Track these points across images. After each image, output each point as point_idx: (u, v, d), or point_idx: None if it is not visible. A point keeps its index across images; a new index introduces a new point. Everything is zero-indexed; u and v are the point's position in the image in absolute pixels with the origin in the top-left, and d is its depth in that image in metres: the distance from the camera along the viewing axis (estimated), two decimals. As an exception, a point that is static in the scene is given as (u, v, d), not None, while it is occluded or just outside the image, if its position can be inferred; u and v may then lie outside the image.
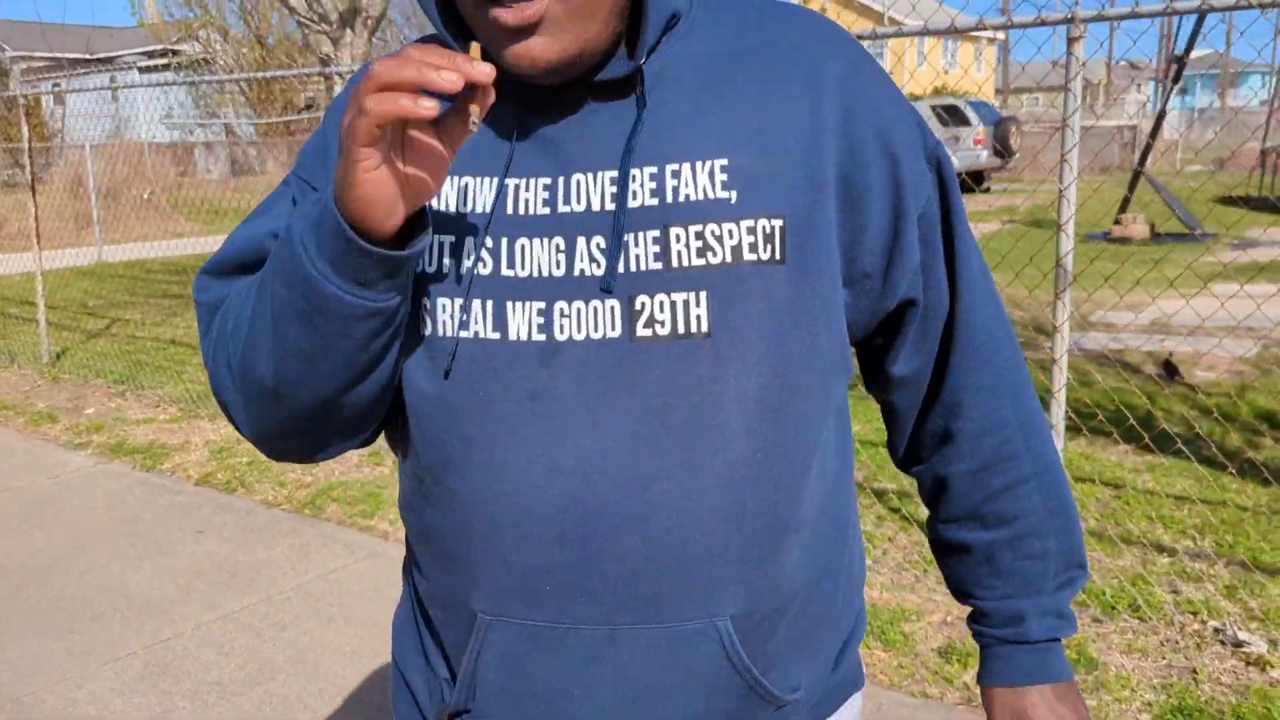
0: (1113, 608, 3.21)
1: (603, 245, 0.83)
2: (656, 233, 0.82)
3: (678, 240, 0.82)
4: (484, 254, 0.84)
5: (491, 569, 0.86)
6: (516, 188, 0.85)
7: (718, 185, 0.83)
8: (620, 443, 0.82)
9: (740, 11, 0.90)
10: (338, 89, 4.68)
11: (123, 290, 10.43)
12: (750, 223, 0.83)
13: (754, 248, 0.83)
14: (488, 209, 0.85)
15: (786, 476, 0.86)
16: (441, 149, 0.76)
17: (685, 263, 0.82)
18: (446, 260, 0.86)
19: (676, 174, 0.83)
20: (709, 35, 0.87)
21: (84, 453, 5.23)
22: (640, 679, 0.86)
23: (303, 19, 5.51)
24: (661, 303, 0.82)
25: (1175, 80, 10.15)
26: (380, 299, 0.79)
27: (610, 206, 0.83)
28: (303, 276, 0.78)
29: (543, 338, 0.83)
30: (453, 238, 0.86)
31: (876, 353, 0.97)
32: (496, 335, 0.84)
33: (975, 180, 17.45)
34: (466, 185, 0.87)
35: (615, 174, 0.83)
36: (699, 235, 0.82)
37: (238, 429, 0.92)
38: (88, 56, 32.49)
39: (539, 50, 0.79)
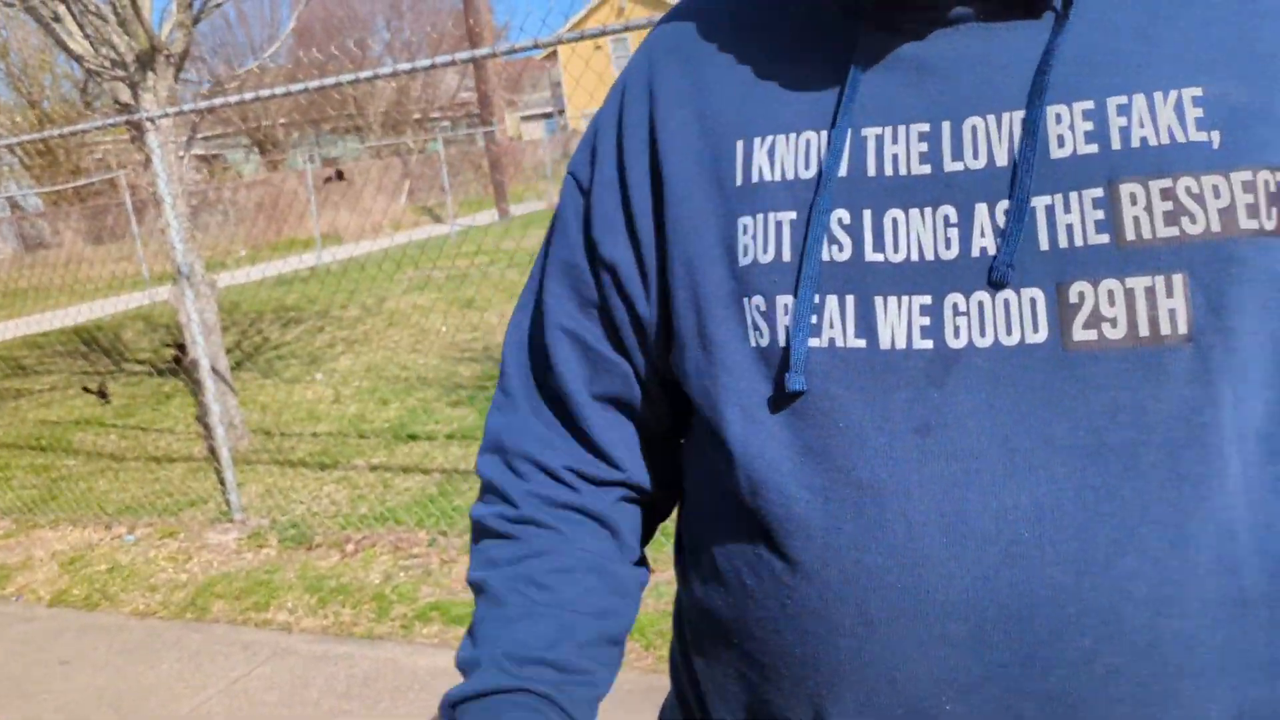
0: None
1: (1007, 214, 0.61)
2: (1099, 192, 0.60)
3: (1134, 202, 0.59)
4: (838, 232, 0.64)
5: (860, 677, 0.63)
6: (879, 139, 0.64)
7: (1190, 123, 0.60)
8: (1062, 498, 0.59)
9: None
10: (151, 136, 4.17)
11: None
12: (1246, 175, 0.59)
13: (1253, 211, 0.58)
14: (843, 172, 0.64)
15: None
16: None
17: (1147, 234, 0.59)
18: (786, 245, 0.65)
19: (1125, 110, 0.60)
20: None
21: (-98, 591, 4.53)
22: None
23: (93, 67, 4.94)
24: (1112, 293, 0.59)
25: None
26: None
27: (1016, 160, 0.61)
28: None
29: (929, 345, 0.61)
30: (793, 214, 0.65)
31: None
32: (862, 343, 0.63)
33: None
34: (808, 142, 0.66)
35: (1024, 114, 0.61)
36: (1167, 194, 0.59)
37: None
38: None
39: None
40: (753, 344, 0.66)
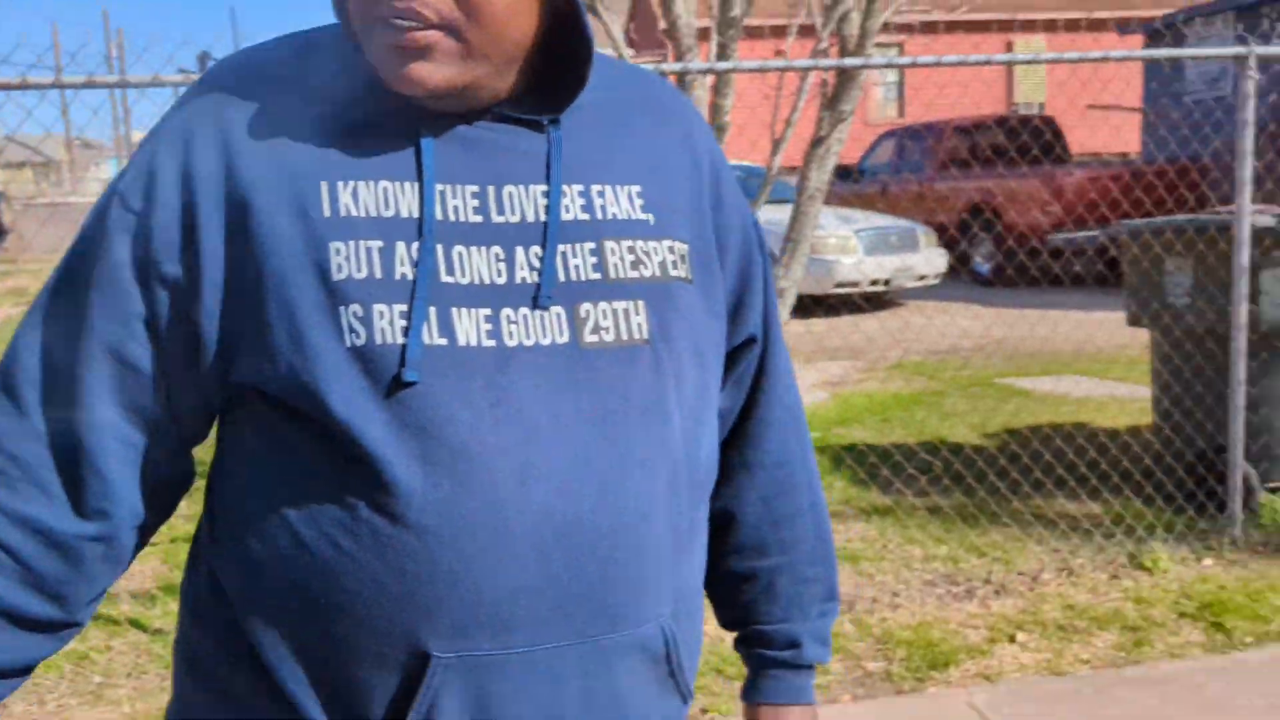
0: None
1: (540, 255, 0.86)
2: (593, 245, 0.87)
3: (612, 254, 0.88)
4: (420, 258, 0.83)
5: (455, 601, 0.81)
6: (443, 193, 0.85)
7: (637, 207, 0.90)
8: (587, 447, 0.84)
9: (611, 67, 0.98)
10: None
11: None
12: (669, 243, 0.91)
13: (674, 265, 0.91)
14: (414, 213, 0.84)
15: (705, 480, 0.95)
16: None
17: (622, 274, 0.87)
18: (376, 266, 0.82)
19: (601, 194, 0.89)
20: (597, 83, 0.90)
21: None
22: (603, 691, 0.86)
23: None
24: (605, 311, 0.86)
25: None
26: None
27: (544, 218, 0.87)
28: None
29: (493, 344, 0.83)
30: (380, 243, 0.83)
31: None
32: (444, 341, 0.82)
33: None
34: (386, 189, 0.84)
35: (545, 188, 0.87)
36: (631, 250, 0.88)
37: None
38: None
39: (425, 74, 0.82)
40: (349, 344, 0.81)
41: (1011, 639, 3.11)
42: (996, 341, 7.24)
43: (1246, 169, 3.55)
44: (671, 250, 0.91)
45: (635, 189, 0.91)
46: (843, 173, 13.76)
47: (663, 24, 3.82)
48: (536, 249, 0.86)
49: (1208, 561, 3.61)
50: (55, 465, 0.85)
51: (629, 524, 0.85)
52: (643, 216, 0.90)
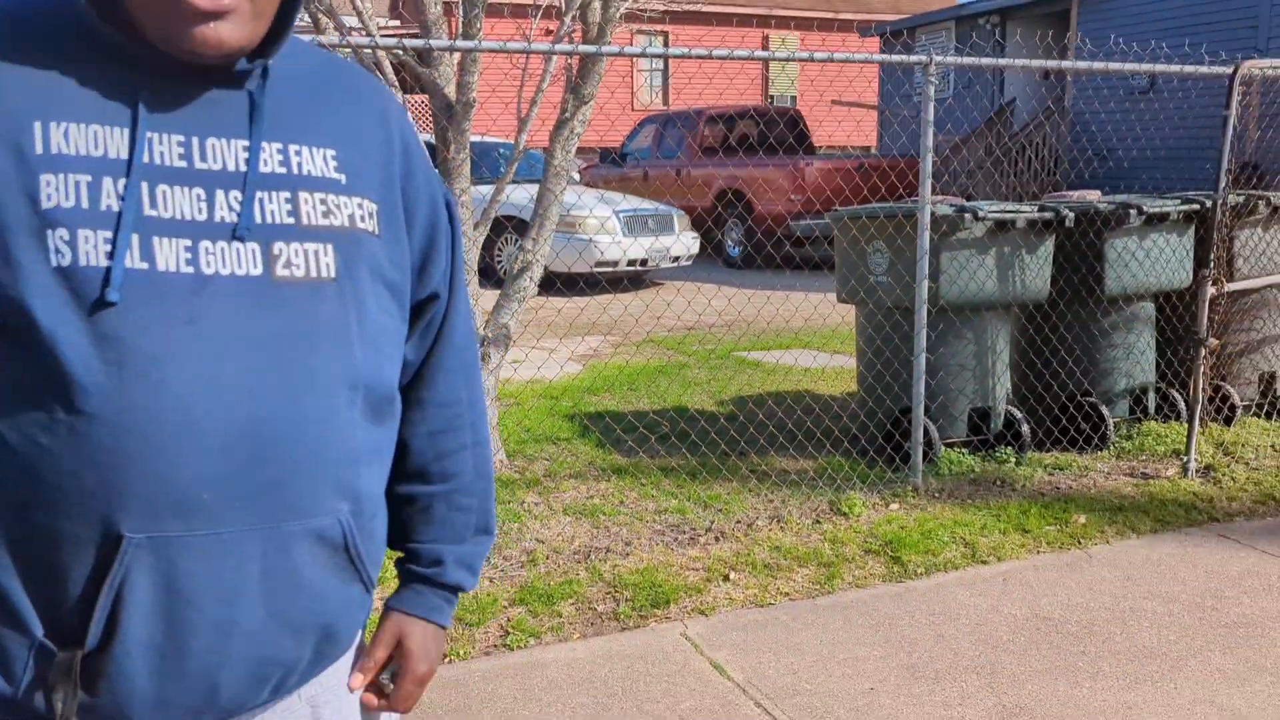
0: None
1: (240, 199, 0.97)
2: (288, 194, 1.00)
3: (305, 203, 1.01)
4: (126, 193, 0.92)
5: (145, 487, 0.91)
6: (150, 140, 0.95)
7: (331, 167, 1.04)
8: (273, 362, 0.96)
9: (317, 52, 1.13)
10: None
11: None
12: (359, 200, 1.06)
13: (362, 219, 1.05)
14: (122, 154, 0.94)
15: (385, 403, 1.08)
16: None
17: (313, 221, 1.01)
18: (84, 197, 0.91)
19: (299, 153, 1.03)
20: (294, 57, 1.06)
21: None
22: (283, 572, 0.98)
23: None
24: (296, 250, 0.99)
25: None
26: None
27: (243, 169, 0.99)
28: None
29: (191, 270, 0.94)
30: (88, 177, 0.92)
31: None
32: (145, 265, 0.92)
33: None
34: (95, 132, 0.94)
35: (246, 143, 0.99)
36: (323, 202, 1.02)
37: None
38: None
39: (226, 34, 0.93)
40: (54, 264, 0.90)
41: (725, 578, 3.47)
42: (740, 319, 7.78)
43: (928, 163, 4.08)
44: (360, 206, 1.05)
45: (330, 152, 1.05)
46: (607, 156, 14.16)
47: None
48: (236, 193, 0.97)
49: (894, 506, 4.13)
50: None
51: (307, 429, 0.98)
52: (336, 176, 1.04)
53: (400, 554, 1.23)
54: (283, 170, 1.01)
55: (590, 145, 15.54)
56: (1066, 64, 4.50)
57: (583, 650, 3.02)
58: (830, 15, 23.59)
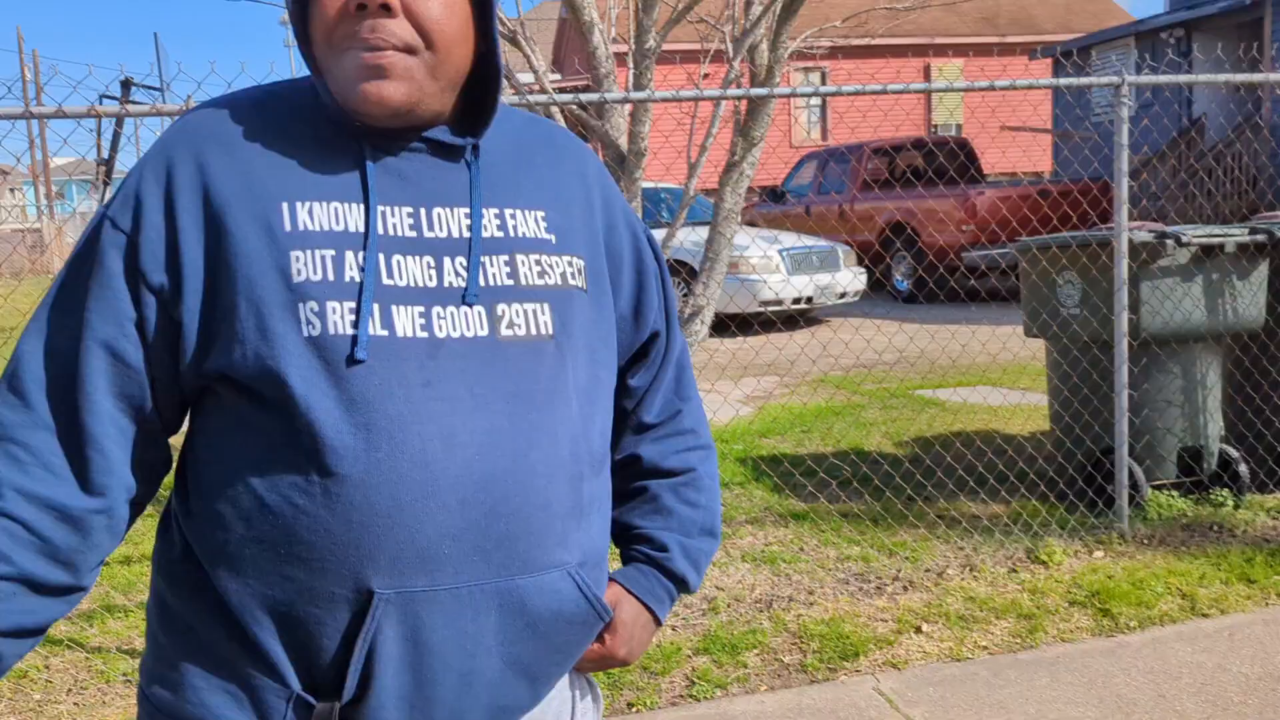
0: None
1: (465, 264, 1.04)
2: (506, 257, 1.06)
3: (523, 265, 1.07)
4: (366, 264, 1.00)
5: (392, 544, 0.96)
6: (384, 213, 1.03)
7: (542, 228, 1.10)
8: (501, 419, 1.00)
9: (518, 115, 1.19)
10: None
11: None
12: (569, 258, 1.10)
13: (572, 276, 1.10)
14: (360, 229, 1.01)
15: (600, 453, 1.12)
16: None
17: (530, 281, 1.06)
18: (330, 270, 0.99)
19: (514, 216, 1.09)
20: (501, 126, 1.13)
21: None
22: (518, 623, 1.02)
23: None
24: (517, 311, 1.04)
25: (108, 180, 11.58)
26: None
27: (467, 234, 1.05)
28: None
29: (426, 335, 1.00)
30: (332, 251, 1.00)
31: (621, 370, 1.23)
32: (385, 333, 0.98)
33: None
34: (337, 209, 1.02)
35: (468, 210, 1.06)
36: (538, 262, 1.08)
37: None
38: None
39: (388, 92, 0.99)
40: (305, 334, 0.97)
41: (917, 630, 3.32)
42: (913, 355, 7.54)
43: (1123, 188, 3.84)
44: (570, 264, 1.10)
45: (540, 214, 1.10)
46: (768, 194, 14.11)
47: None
48: (462, 259, 1.04)
49: (1098, 553, 3.87)
50: (62, 449, 0.99)
51: (536, 483, 1.02)
52: (547, 236, 1.10)
53: (625, 539, 1.25)
54: (500, 234, 1.07)
55: (750, 184, 15.52)
56: (1274, 76, 4.18)
57: (771, 703, 2.93)
58: (995, 39, 22.88)
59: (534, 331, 1.04)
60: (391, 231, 1.02)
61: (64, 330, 1.01)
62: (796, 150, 18.02)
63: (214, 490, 1.00)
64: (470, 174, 1.07)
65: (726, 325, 8.71)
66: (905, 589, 3.63)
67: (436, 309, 1.01)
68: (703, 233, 8.16)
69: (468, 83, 1.07)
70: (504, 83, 1.09)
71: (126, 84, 11.02)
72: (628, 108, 4.00)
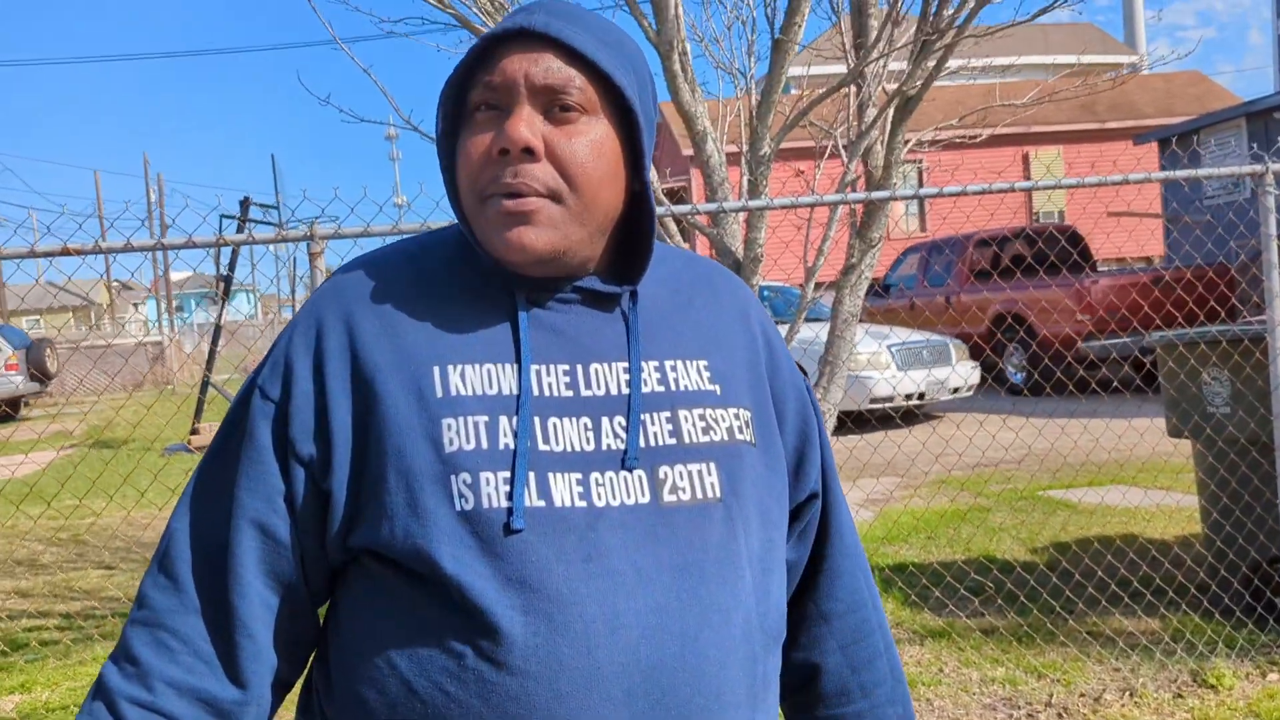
0: None
1: (624, 424, 0.96)
2: (668, 413, 0.98)
3: (686, 420, 0.99)
4: (519, 430, 0.93)
5: None
6: (538, 372, 0.96)
7: (705, 379, 1.02)
8: (668, 597, 0.92)
9: (674, 255, 1.11)
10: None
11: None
12: (735, 410, 1.02)
13: (740, 430, 1.01)
14: (514, 390, 0.95)
15: (775, 627, 1.02)
16: None
17: (695, 439, 0.98)
18: (483, 438, 0.93)
19: (674, 368, 1.01)
20: (659, 268, 1.05)
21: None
22: None
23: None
24: (680, 473, 0.96)
25: (226, 294, 12.00)
26: None
27: (625, 391, 0.98)
28: None
29: (584, 504, 0.92)
30: (485, 417, 0.93)
31: None
32: (542, 503, 0.91)
33: (12, 408, 16.79)
34: (489, 371, 0.96)
35: (626, 364, 0.99)
36: (702, 417, 0.99)
37: None
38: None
39: (530, 239, 0.94)
40: (458, 508, 0.91)
41: (1079, 764, 3.05)
42: (1038, 453, 7.22)
43: (1275, 280, 3.62)
44: (737, 417, 1.01)
45: (703, 363, 1.02)
46: (872, 288, 13.94)
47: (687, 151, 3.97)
48: (620, 418, 0.96)
49: (1272, 676, 3.53)
50: (211, 635, 0.94)
51: (708, 670, 0.92)
52: (711, 387, 1.01)
53: None
54: (661, 389, 0.99)
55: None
56: None
57: None
58: (1095, 126, 22.56)
59: (700, 495, 0.96)
60: (546, 391, 0.96)
61: (215, 507, 0.97)
62: (894, 242, 17.87)
63: (358, 669, 0.94)
64: (627, 325, 1.01)
65: (842, 421, 8.51)
66: (1059, 716, 3.36)
67: (595, 475, 0.94)
68: (809, 332, 8.08)
69: (622, 224, 1.01)
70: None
71: (245, 204, 11.59)
72: (743, 215, 3.96)
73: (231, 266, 11.53)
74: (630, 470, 0.95)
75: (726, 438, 0.99)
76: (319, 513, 0.96)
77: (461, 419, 0.93)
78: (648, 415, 0.97)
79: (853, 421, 8.80)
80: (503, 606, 0.88)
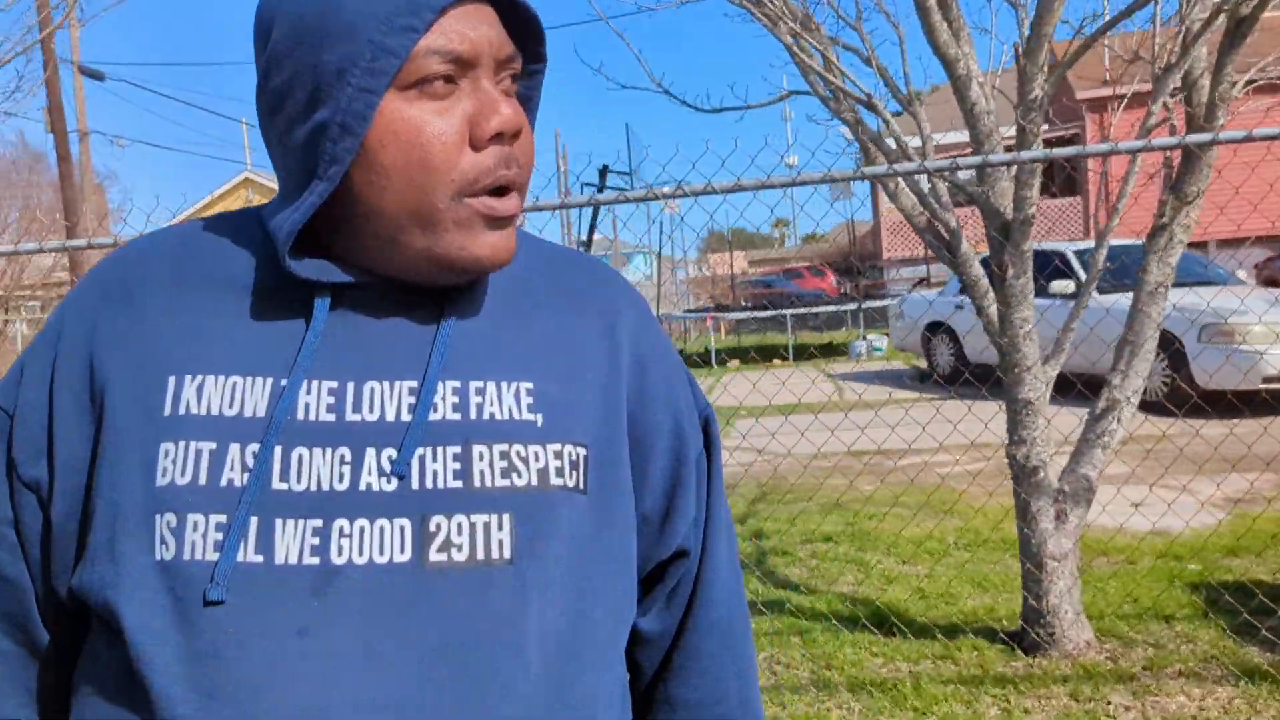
0: None
1: (394, 458, 0.78)
2: (458, 449, 0.79)
3: (481, 459, 0.79)
4: (251, 464, 0.76)
5: None
6: (297, 391, 0.80)
7: (523, 407, 0.82)
8: (405, 687, 0.73)
9: (538, 249, 0.92)
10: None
11: None
12: (559, 447, 0.82)
13: (559, 473, 0.81)
14: (260, 413, 0.78)
15: None
16: None
17: (488, 483, 0.78)
18: (202, 472, 0.76)
19: (481, 391, 0.81)
20: (512, 265, 0.85)
21: None
22: None
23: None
24: (460, 525, 0.77)
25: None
26: None
27: (406, 417, 0.79)
28: None
29: (316, 561, 0.75)
30: (213, 445, 0.77)
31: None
32: (260, 559, 0.74)
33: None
34: (235, 385, 0.79)
35: (415, 384, 0.80)
36: (504, 455, 0.80)
37: None
38: None
39: (507, 244, 0.80)
40: (158, 557, 0.74)
41: None
42: None
43: None
44: (559, 456, 0.81)
45: (526, 385, 0.82)
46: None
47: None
48: (391, 451, 0.77)
49: None
50: None
51: None
52: (528, 417, 0.81)
53: None
54: (456, 416, 0.79)
55: (1258, 234, 13.16)
56: None
57: None
58: None
59: (481, 555, 0.76)
60: (300, 415, 0.77)
61: None
62: None
63: None
64: (436, 332, 0.81)
65: (1203, 408, 7.31)
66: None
67: (341, 523, 0.75)
68: (1193, 295, 6.99)
69: None
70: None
71: (603, 171, 12.30)
72: (1013, 170, 3.44)
73: (591, 229, 12.47)
74: (390, 518, 0.75)
75: (535, 482, 0.79)
76: (45, 546, 0.81)
77: (182, 444, 0.76)
78: (429, 449, 0.77)
79: (1228, 404, 7.51)
80: (182, 686, 0.72)
